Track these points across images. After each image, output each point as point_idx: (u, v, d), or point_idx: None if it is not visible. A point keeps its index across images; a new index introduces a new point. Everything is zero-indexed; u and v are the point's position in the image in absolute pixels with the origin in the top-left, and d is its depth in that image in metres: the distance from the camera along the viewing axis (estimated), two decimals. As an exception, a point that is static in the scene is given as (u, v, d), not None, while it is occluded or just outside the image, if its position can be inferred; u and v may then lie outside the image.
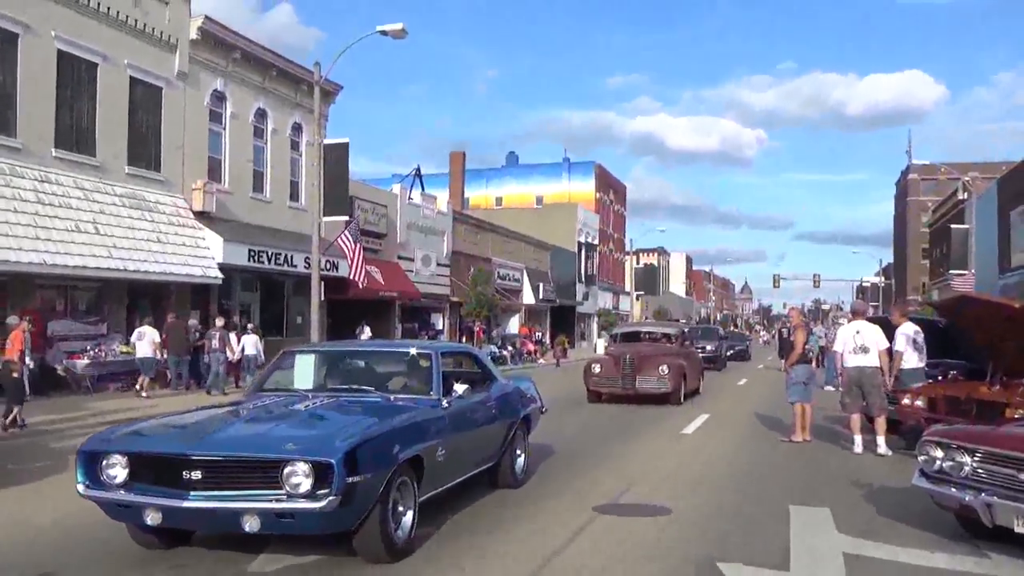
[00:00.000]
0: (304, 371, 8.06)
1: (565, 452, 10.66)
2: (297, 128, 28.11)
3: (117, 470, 5.41)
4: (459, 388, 7.01)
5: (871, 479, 9.09)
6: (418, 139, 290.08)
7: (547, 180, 73.20)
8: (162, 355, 19.39)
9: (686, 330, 22.57)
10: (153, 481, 5.33)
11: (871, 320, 12.44)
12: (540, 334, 48.44)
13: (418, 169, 38.44)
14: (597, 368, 17.83)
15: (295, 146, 28.21)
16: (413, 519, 5.88)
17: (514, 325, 46.85)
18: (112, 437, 5.71)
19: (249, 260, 24.02)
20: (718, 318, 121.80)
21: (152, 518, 5.23)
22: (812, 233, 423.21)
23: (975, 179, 49.72)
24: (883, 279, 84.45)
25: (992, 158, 74.70)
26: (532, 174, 74.97)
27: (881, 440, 10.98)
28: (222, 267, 22.77)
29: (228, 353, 20.10)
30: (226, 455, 5.25)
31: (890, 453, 10.84)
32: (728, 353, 38.08)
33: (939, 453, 6.28)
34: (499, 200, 73.21)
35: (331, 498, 4.94)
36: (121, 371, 19.61)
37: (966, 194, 50.84)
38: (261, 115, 26.42)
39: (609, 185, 75.76)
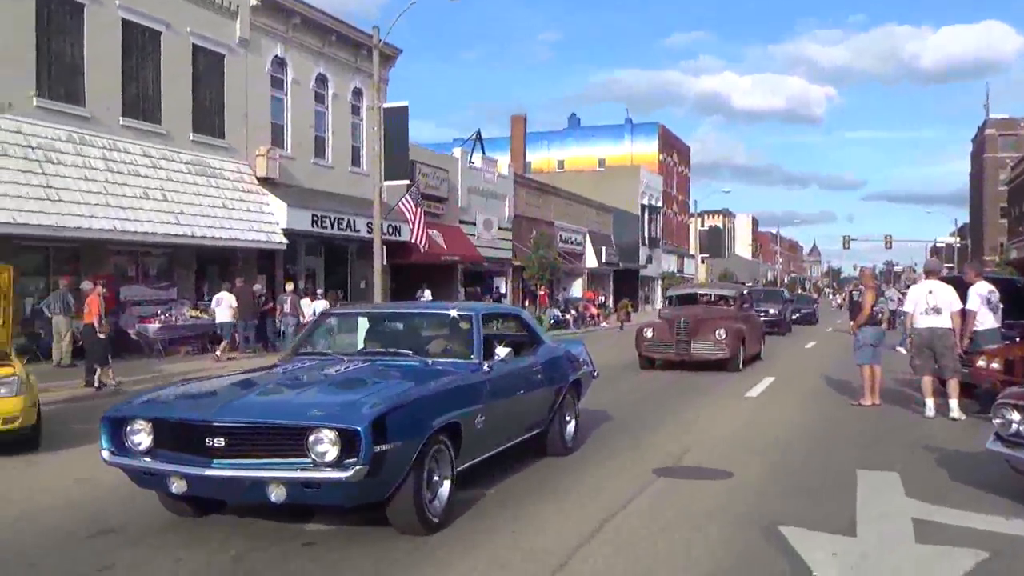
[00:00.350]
0: (342, 334, 7.95)
1: (623, 416, 10.51)
2: (357, 93, 28.17)
3: (141, 436, 5.30)
4: (501, 351, 6.65)
5: (942, 443, 8.81)
6: (479, 104, 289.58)
7: (609, 142, 72.36)
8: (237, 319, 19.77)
9: (745, 292, 21.01)
10: (177, 448, 5.20)
11: (944, 280, 12.00)
12: (604, 298, 48.16)
13: (478, 133, 38.28)
14: (649, 332, 17.01)
15: (356, 111, 28.30)
16: (451, 489, 5.66)
17: (577, 289, 46.68)
18: (137, 403, 5.61)
19: (312, 225, 24.27)
20: (785, 281, 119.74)
21: (177, 486, 5.11)
22: (883, 193, 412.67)
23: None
24: (958, 239, 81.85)
25: (1076, 111, 71.41)
26: (594, 136, 74.18)
27: (954, 403, 10.62)
28: (286, 232, 23.05)
29: (299, 318, 20.45)
30: (249, 422, 5.08)
31: (963, 417, 10.47)
32: (794, 317, 36.52)
33: (1016, 416, 6.01)
34: (561, 163, 72.68)
35: (358, 467, 4.74)
36: (191, 335, 20.07)
37: (1048, 149, 48.74)
38: (322, 80, 26.53)
39: (672, 146, 74.59)
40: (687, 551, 5.15)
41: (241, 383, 5.99)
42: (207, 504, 5.76)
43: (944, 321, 10.71)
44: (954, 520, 5.81)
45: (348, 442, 4.78)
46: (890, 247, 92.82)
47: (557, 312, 35.87)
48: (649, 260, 60.65)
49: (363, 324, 7.87)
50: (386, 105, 23.28)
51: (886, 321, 12.48)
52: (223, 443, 4.99)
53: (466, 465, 6.01)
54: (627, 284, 54.39)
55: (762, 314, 24.62)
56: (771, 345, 21.84)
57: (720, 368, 15.96)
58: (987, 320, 11.14)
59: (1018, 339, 12.12)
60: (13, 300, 9.93)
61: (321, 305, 21.73)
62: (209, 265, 22.76)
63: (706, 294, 20.59)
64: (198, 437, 5.06)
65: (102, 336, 13.68)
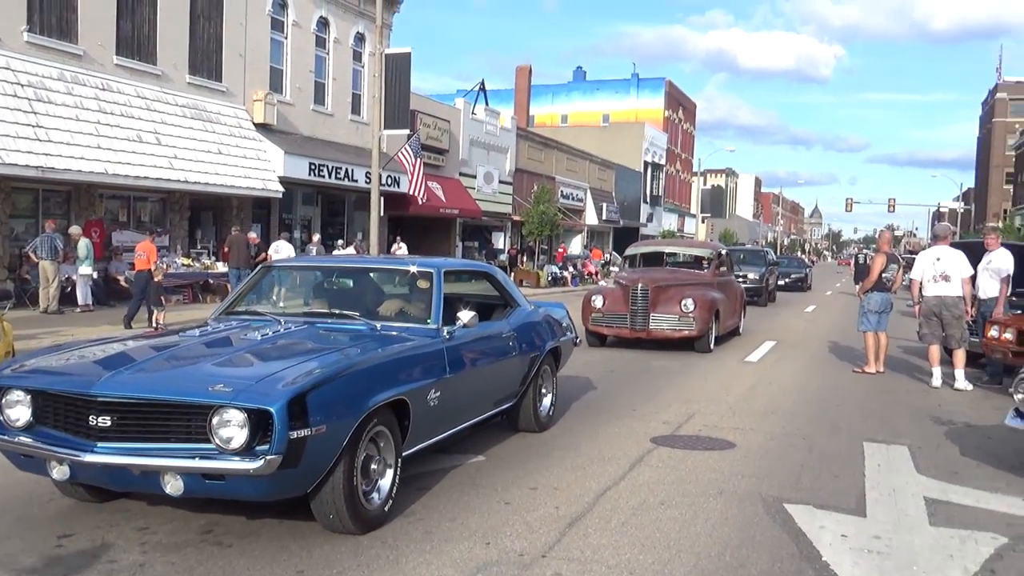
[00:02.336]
0: (283, 290, 7.03)
1: (614, 382, 10.11)
2: (360, 38, 27.51)
3: (19, 410, 4.40)
4: (464, 316, 5.71)
5: (951, 416, 8.54)
6: (484, 54, 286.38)
7: (615, 97, 71.36)
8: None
9: (723, 252, 16.57)
10: (58, 426, 4.34)
11: (956, 246, 11.65)
12: (609, 256, 47.71)
13: (482, 83, 37.57)
14: (599, 300, 13.49)
15: (358, 57, 27.66)
16: (394, 478, 4.84)
17: (576, 245, 46.26)
18: (13, 368, 4.65)
19: (310, 174, 23.83)
20: (785, 242, 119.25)
21: (58, 472, 4.26)
22: (888, 156, 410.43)
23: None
24: (963, 204, 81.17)
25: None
26: (599, 90, 73.11)
27: (960, 374, 10.35)
28: (283, 180, 22.64)
29: None
30: (139, 397, 4.17)
31: (970, 387, 10.23)
32: (781, 282, 32.33)
33: (1039, 393, 5.70)
34: (565, 118, 71.74)
35: (271, 456, 3.93)
36: (184, 283, 19.73)
37: (1059, 116, 48.03)
38: (323, 24, 25.88)
39: (679, 103, 73.58)
40: (688, 528, 4.86)
41: (143, 348, 5.07)
42: (106, 489, 4.80)
43: (954, 289, 10.39)
44: (969, 500, 5.53)
45: (259, 425, 3.98)
46: (893, 210, 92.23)
47: (556, 269, 35.52)
48: (650, 218, 60.15)
49: (308, 280, 6.95)
50: (388, 51, 22.68)
51: (898, 284, 12.13)
52: (109, 422, 4.14)
53: (416, 448, 5.21)
54: (628, 242, 53.49)
55: (739, 279, 19.82)
56: (758, 313, 20.77)
57: (687, 347, 13.17)
58: (992, 289, 10.85)
59: (1029, 309, 11.84)
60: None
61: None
62: (203, 212, 22.37)
63: (674, 253, 17.27)
64: (79, 414, 4.24)
65: (158, 280, 14.60)
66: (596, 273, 39.61)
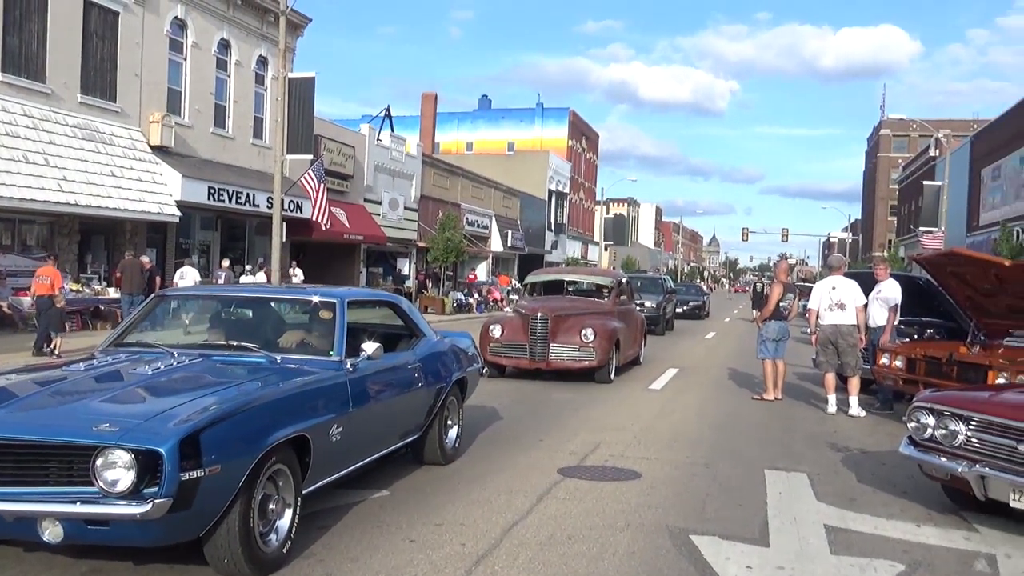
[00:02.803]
0: (177, 321, 6.69)
1: (519, 412, 10.01)
2: (263, 61, 27.04)
3: None
4: (368, 347, 5.52)
5: (847, 442, 8.77)
6: (391, 81, 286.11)
7: (519, 125, 72.06)
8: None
9: (624, 280, 16.40)
10: None
11: (849, 275, 12.08)
12: (516, 283, 47.81)
13: (388, 109, 37.39)
14: (497, 330, 13.12)
15: (260, 80, 27.17)
16: (293, 518, 4.62)
17: (481, 272, 46.32)
18: None
19: (209, 198, 23.20)
20: (686, 270, 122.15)
21: None
22: (781, 187, 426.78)
23: (948, 137, 49.58)
24: (851, 235, 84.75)
25: (963, 116, 74.75)
26: (504, 119, 73.74)
27: (854, 401, 10.68)
28: (180, 204, 21.96)
29: None
30: (14, 438, 3.87)
31: (863, 414, 10.56)
32: (679, 310, 31.71)
33: (931, 420, 5.87)
34: (470, 145, 71.99)
35: (160, 500, 3.69)
36: (73, 309, 18.84)
37: (938, 151, 50.76)
38: (225, 46, 25.33)
39: (582, 132, 74.79)
40: (596, 563, 4.81)
41: (22, 383, 4.71)
42: None
43: (848, 317, 10.74)
44: (867, 527, 5.65)
45: (148, 467, 3.73)
46: (786, 240, 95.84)
47: (461, 295, 35.44)
48: (555, 245, 60.77)
49: (204, 310, 6.63)
50: (291, 75, 22.30)
51: (794, 313, 12.45)
52: None
53: (317, 485, 5.00)
54: (532, 269, 54.17)
55: (637, 308, 18.95)
56: (661, 342, 20.87)
57: (587, 378, 12.82)
58: (882, 318, 11.28)
59: (916, 337, 12.36)
60: None
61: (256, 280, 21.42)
62: (94, 236, 21.50)
63: (576, 281, 16.86)
64: None
65: (60, 305, 14.34)
66: (501, 300, 39.66)
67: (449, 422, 7.19)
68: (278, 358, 5.34)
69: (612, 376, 13.06)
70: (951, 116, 77.48)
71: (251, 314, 6.34)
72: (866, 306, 10.99)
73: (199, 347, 5.63)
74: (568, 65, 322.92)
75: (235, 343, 5.66)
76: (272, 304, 6.40)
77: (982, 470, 5.42)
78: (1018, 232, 32.77)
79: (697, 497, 6.32)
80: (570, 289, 16.40)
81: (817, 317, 11.05)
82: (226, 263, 22.48)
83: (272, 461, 4.41)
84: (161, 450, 3.71)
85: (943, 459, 5.73)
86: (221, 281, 20.85)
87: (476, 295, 37.34)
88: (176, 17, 23.13)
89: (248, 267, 24.80)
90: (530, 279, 16.33)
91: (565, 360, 12.69)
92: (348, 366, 5.43)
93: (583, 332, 12.64)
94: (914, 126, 69.38)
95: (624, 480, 6.75)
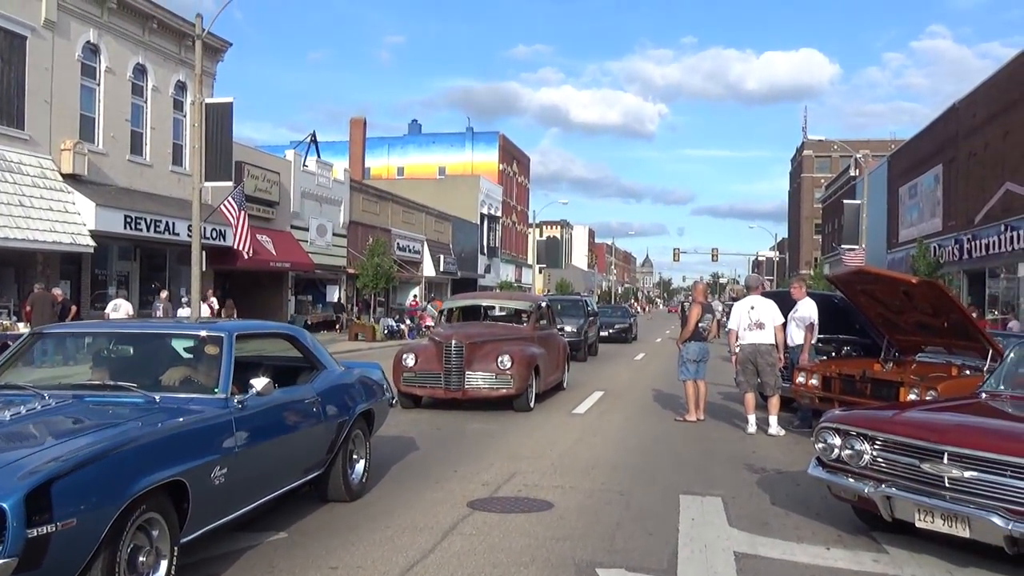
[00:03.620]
0: (53, 359, 6.29)
1: (441, 441, 9.80)
2: (181, 87, 26.46)
3: None
4: (258, 383, 5.24)
5: (764, 462, 8.74)
6: (321, 106, 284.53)
7: (450, 150, 72.10)
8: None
9: (543, 304, 15.88)
10: None
11: (768, 295, 12.17)
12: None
13: (313, 135, 36.93)
14: (411, 359, 12.56)
15: (179, 106, 26.57)
16: (169, 569, 4.30)
17: (413, 297, 45.98)
18: None
19: (126, 227, 22.52)
20: (620, 291, 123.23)
21: None
22: (711, 208, 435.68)
23: (866, 156, 51.02)
24: (778, 254, 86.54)
25: (881, 136, 77.13)
26: (435, 143, 73.72)
27: (773, 420, 10.71)
28: (95, 234, 21.27)
29: None
30: None
31: (783, 432, 10.59)
32: (604, 334, 29.96)
33: (837, 440, 5.84)
34: (401, 170, 71.79)
35: (4, 560, 3.39)
36: (-22, 346, 18.04)
37: (857, 171, 52.19)
38: (141, 71, 24.71)
39: (513, 156, 75.14)
40: (497, 602, 4.62)
41: None
42: None
43: (767, 337, 10.79)
44: (776, 552, 5.57)
45: None
46: (716, 260, 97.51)
47: (392, 322, 35.03)
48: (488, 269, 60.70)
49: (81, 347, 6.32)
50: (208, 100, 21.82)
51: (714, 334, 12.48)
52: None
53: (198, 533, 4.68)
54: (467, 293, 54.07)
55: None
56: (584, 366, 20.43)
57: (507, 406, 12.28)
58: (799, 337, 11.36)
59: (833, 354, 12.48)
60: None
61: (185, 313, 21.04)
62: (3, 268, 20.66)
63: (494, 306, 16.52)
64: None
65: None
66: (434, 326, 39.34)
67: (355, 456, 6.90)
68: (157, 397, 5.00)
69: (532, 404, 12.63)
70: (870, 136, 79.93)
71: (132, 351, 5.98)
72: (785, 325, 11.07)
73: (73, 388, 5.27)
74: (499, 89, 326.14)
75: (112, 383, 5.33)
76: (155, 340, 6.01)
77: (888, 490, 5.38)
78: (935, 248, 33.73)
79: (608, 527, 6.16)
80: (488, 314, 16.04)
81: (736, 337, 11.09)
82: (165, 294, 22.39)
83: (142, 510, 4.10)
84: (4, 505, 3.40)
85: (850, 480, 5.69)
86: (159, 313, 20.35)
87: (408, 321, 36.94)
88: (88, 42, 22.49)
89: (185, 299, 24.36)
90: (446, 304, 15.92)
91: (482, 388, 12.20)
92: (235, 403, 5.15)
93: (500, 359, 12.16)
94: (835, 147, 71.28)
95: (535, 511, 6.57)
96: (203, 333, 5.70)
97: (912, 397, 8.62)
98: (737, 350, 11.19)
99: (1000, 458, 4.88)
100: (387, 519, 6.26)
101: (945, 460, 5.10)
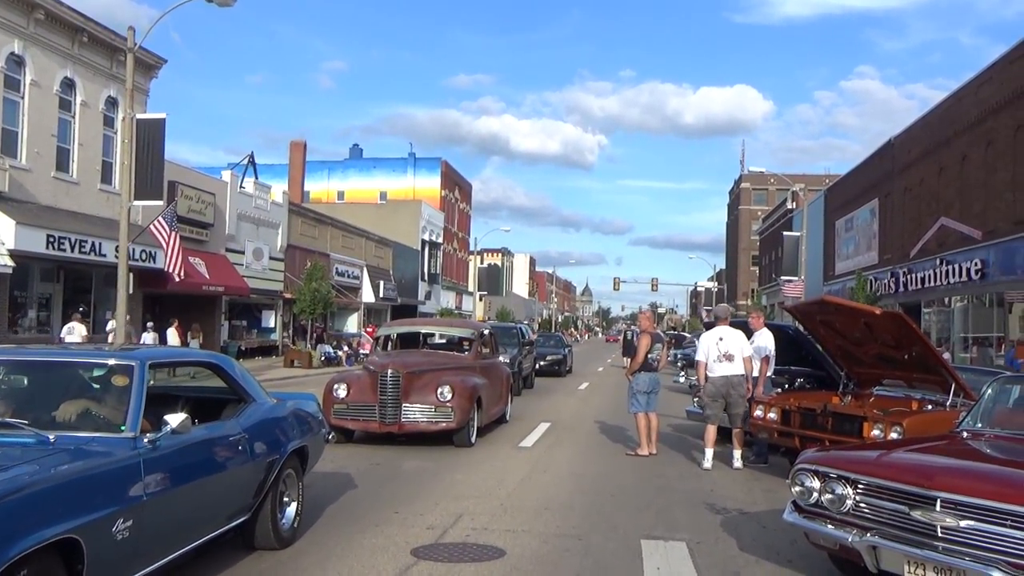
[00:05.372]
0: None
1: (381, 477, 9.14)
2: (112, 103, 25.45)
3: None
4: (173, 419, 4.59)
5: (725, 502, 8.27)
6: (261, 130, 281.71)
7: (392, 175, 71.46)
8: None
9: (486, 331, 14.93)
10: None
11: (708, 326, 11.77)
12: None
13: (251, 156, 36.02)
14: (342, 390, 11.59)
15: (110, 123, 25.53)
16: None
17: (352, 324, 45.00)
18: None
19: (48, 247, 21.44)
20: (560, 319, 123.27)
21: None
22: (650, 238, 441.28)
23: (803, 190, 51.79)
24: (716, 284, 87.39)
25: (815, 171, 78.68)
26: (376, 168, 73.02)
27: (737, 454, 10.33)
28: (14, 254, 20.14)
29: None
30: None
31: (741, 467, 10.19)
32: (538, 365, 27.06)
33: (816, 483, 5.38)
34: (341, 194, 70.84)
35: None
36: None
37: (794, 204, 52.93)
38: (69, 85, 23.67)
39: (455, 183, 74.73)
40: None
41: None
42: None
43: (738, 368, 10.38)
44: (752, 608, 5.08)
45: None
46: (656, 290, 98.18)
47: (329, 348, 34.08)
48: (428, 296, 59.96)
49: None
50: (139, 116, 20.90)
51: (664, 362, 11.98)
52: None
53: None
54: (406, 319, 53.20)
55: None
56: (527, 396, 19.88)
57: (447, 441, 11.46)
58: (755, 369, 11.00)
59: (787, 386, 12.17)
60: None
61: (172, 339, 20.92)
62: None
63: (433, 333, 15.64)
64: None
65: None
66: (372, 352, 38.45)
67: (286, 499, 6.21)
68: (52, 437, 4.27)
69: (473, 438, 11.73)
70: (804, 171, 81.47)
71: (27, 381, 5.22)
72: (751, 357, 10.69)
73: None
74: (440, 117, 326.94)
75: (3, 419, 4.56)
76: (54, 369, 5.27)
77: (873, 539, 4.92)
78: (871, 281, 34.11)
79: (567, 577, 5.61)
80: (428, 342, 15.25)
81: (706, 368, 10.60)
82: (127, 318, 21.76)
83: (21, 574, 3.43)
84: None
85: (830, 527, 5.22)
86: (75, 338, 19.55)
87: (346, 348, 36.00)
88: (12, 53, 21.44)
89: (149, 323, 24.89)
90: (382, 331, 14.99)
91: (420, 422, 11.29)
92: (144, 443, 4.47)
93: (440, 390, 11.28)
94: (772, 180, 72.51)
95: (486, 559, 5.97)
96: (111, 361, 5.00)
97: (876, 432, 8.29)
98: (707, 382, 10.64)
99: (1000, 506, 4.46)
100: (320, 570, 5.62)
101: (938, 507, 4.67)
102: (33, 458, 3.98)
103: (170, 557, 4.69)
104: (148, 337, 23.45)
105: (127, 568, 4.23)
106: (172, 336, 25.72)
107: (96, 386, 5.08)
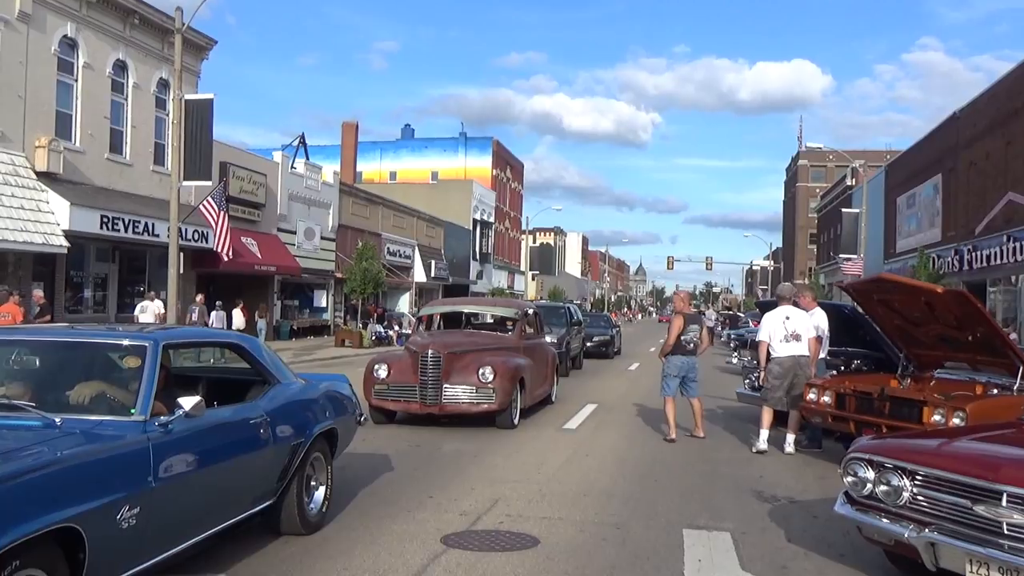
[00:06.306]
0: None
1: (419, 460, 8.92)
2: (164, 85, 25.57)
3: None
4: (186, 402, 4.39)
5: (774, 489, 7.91)
6: (314, 111, 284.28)
7: (443, 155, 71.33)
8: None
9: (531, 311, 14.38)
10: None
11: (765, 304, 11.35)
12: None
13: (302, 137, 36.07)
14: (383, 370, 11.38)
15: (161, 104, 25.68)
16: None
17: (403, 303, 45.11)
18: None
19: (102, 227, 21.64)
20: (613, 299, 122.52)
21: None
22: (704, 217, 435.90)
23: (863, 166, 50.39)
24: (772, 263, 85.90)
25: (875, 147, 76.64)
26: (428, 148, 72.95)
27: (791, 438, 9.92)
28: (70, 235, 20.40)
29: None
30: None
31: (794, 452, 9.81)
32: (586, 345, 25.95)
33: (870, 474, 5.01)
34: (393, 175, 70.96)
35: None
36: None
37: (854, 180, 51.54)
38: (121, 67, 23.85)
39: (506, 162, 74.38)
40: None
41: None
42: None
43: (804, 349, 9.99)
44: (799, 606, 4.76)
45: None
46: (711, 268, 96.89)
47: (380, 328, 34.16)
48: (480, 275, 59.85)
49: None
50: (188, 96, 21.02)
51: (706, 346, 11.48)
52: None
53: None
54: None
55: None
56: (574, 376, 19.41)
57: (488, 423, 11.25)
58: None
59: (843, 368, 11.69)
60: None
61: (218, 316, 22.01)
62: (-28, 268, 19.79)
63: (478, 313, 15.20)
64: None
65: None
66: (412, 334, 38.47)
67: (313, 483, 6.03)
68: (58, 419, 4.08)
69: (516, 420, 11.49)
70: (864, 147, 79.46)
71: (38, 363, 5.05)
72: (818, 338, 10.26)
73: None
74: (492, 96, 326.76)
75: (9, 399, 4.40)
76: (65, 350, 5.06)
77: (931, 535, 4.56)
78: (934, 259, 33.04)
79: (601, 570, 5.34)
80: (471, 322, 14.92)
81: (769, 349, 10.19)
82: (200, 297, 22.85)
83: (13, 567, 3.27)
84: None
85: (885, 521, 4.86)
86: (194, 318, 19.98)
87: (397, 328, 36.07)
88: (66, 36, 21.63)
89: (219, 302, 25.22)
90: (424, 310, 14.73)
91: (461, 403, 11.08)
92: (155, 427, 4.29)
93: (481, 371, 11.04)
94: (831, 156, 70.74)
95: (518, 549, 5.73)
96: (124, 342, 4.82)
97: (937, 418, 7.83)
98: (772, 362, 10.21)
99: (1075, 503, 4.07)
100: (346, 558, 5.42)
101: (1004, 503, 4.29)
102: (35, 442, 3.81)
103: (184, 545, 4.50)
104: (215, 317, 23.76)
105: (135, 557, 4.05)
106: (238, 317, 26.14)
107: (111, 368, 4.92)
